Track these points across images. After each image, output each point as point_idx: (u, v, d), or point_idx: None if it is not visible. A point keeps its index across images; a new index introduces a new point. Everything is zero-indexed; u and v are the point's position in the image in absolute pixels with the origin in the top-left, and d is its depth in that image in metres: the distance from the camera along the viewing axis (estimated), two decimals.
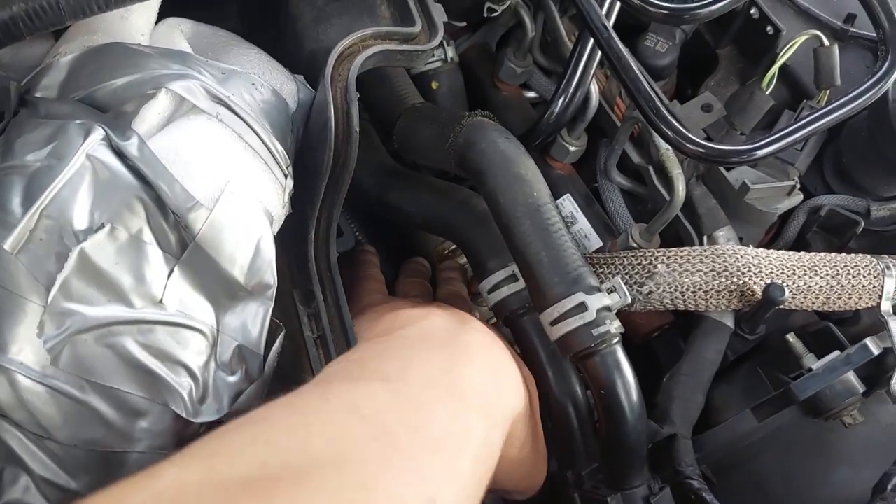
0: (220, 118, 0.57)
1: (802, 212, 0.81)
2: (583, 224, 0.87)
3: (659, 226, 0.79)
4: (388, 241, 0.95)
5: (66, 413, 0.51)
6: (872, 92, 0.74)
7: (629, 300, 0.66)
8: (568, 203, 0.88)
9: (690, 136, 0.70)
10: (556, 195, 0.88)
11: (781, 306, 0.70)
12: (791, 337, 0.71)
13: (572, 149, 0.87)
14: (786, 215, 0.83)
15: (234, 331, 0.56)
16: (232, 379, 0.56)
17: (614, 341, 0.65)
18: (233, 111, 0.58)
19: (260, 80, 0.61)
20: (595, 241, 0.86)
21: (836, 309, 0.73)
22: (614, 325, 0.65)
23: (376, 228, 0.94)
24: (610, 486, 0.68)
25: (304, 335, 0.65)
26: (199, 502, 0.39)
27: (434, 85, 0.89)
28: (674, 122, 0.69)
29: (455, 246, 0.94)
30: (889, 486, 0.60)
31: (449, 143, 0.72)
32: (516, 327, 0.74)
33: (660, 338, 0.84)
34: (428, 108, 0.80)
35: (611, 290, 0.67)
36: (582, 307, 0.64)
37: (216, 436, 0.45)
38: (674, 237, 0.82)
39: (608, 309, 0.65)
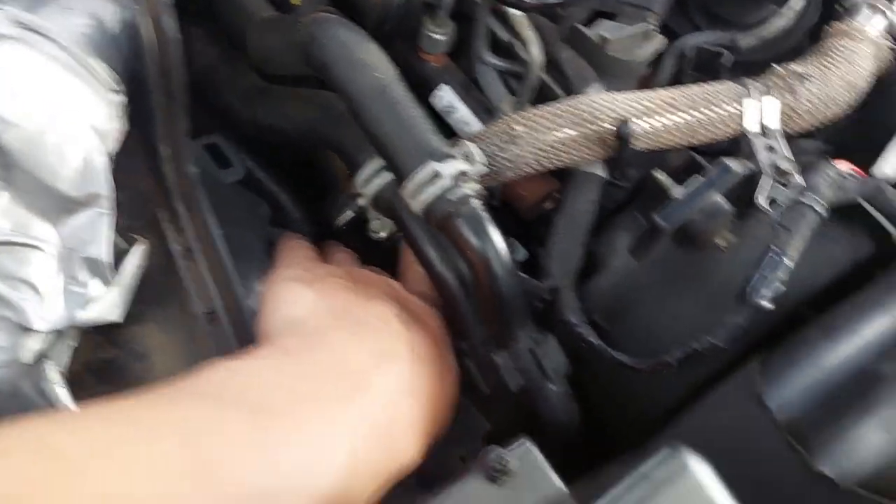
0: (28, 43, 0.57)
1: (671, 56, 0.81)
2: (462, 112, 0.87)
3: (526, 94, 0.79)
4: (285, 164, 0.95)
5: None
6: None
7: (483, 160, 0.67)
8: (445, 93, 0.88)
9: None
10: (431, 87, 0.88)
11: (643, 145, 0.71)
12: (658, 173, 0.71)
13: (439, 38, 0.86)
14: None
15: (75, 243, 0.57)
16: (79, 289, 0.57)
17: (472, 202, 0.66)
18: (43, 35, 0.58)
19: (76, 4, 0.62)
20: (476, 125, 0.86)
21: (704, 141, 0.73)
22: (472, 187, 0.65)
23: (271, 154, 0.95)
24: (499, 347, 0.69)
25: (171, 248, 0.66)
26: None
27: (295, 0, 0.89)
28: None
29: None
30: (749, 291, 0.61)
31: (292, 44, 0.72)
32: (395, 216, 0.75)
33: (557, 208, 0.85)
34: (273, 19, 0.80)
35: (466, 157, 0.68)
36: (436, 175, 0.65)
37: None
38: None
39: (464, 174, 0.66)
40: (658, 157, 0.76)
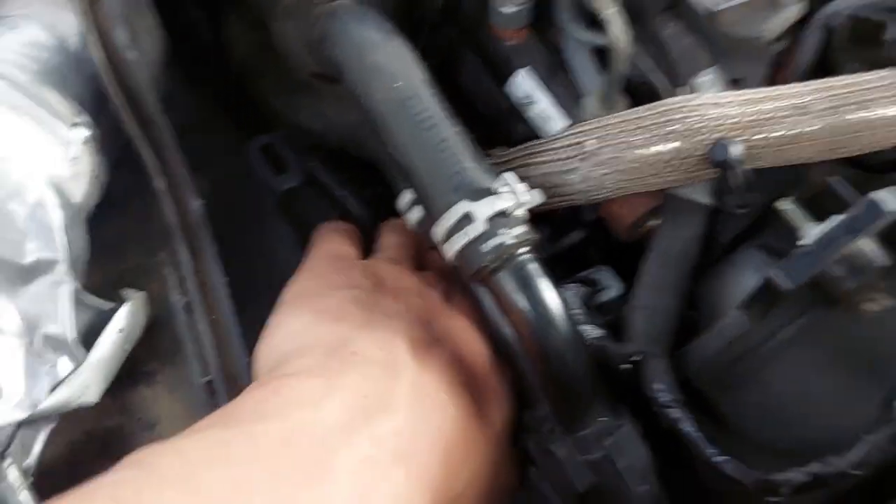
0: None
1: (815, 29, 0.59)
2: (543, 103, 0.70)
3: (614, 86, 0.61)
4: (350, 166, 0.83)
5: None
6: None
7: (529, 196, 0.51)
8: (523, 80, 0.71)
9: None
10: (509, 70, 0.72)
11: (762, 164, 0.52)
12: (785, 203, 0.52)
13: (509, 9, 0.70)
14: None
15: (35, 318, 0.49)
16: (46, 369, 0.49)
17: (517, 253, 0.51)
18: None
19: (27, 19, 0.52)
20: (559, 122, 0.69)
21: (853, 154, 0.53)
22: (512, 234, 0.50)
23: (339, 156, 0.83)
24: (564, 428, 0.55)
25: (172, 300, 0.57)
26: None
27: None
28: None
29: None
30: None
31: (310, 39, 0.59)
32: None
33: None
34: (293, 3, 0.67)
35: (509, 189, 0.52)
36: (467, 219, 0.51)
37: None
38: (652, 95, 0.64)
39: (503, 214, 0.51)
40: (791, 173, 0.56)
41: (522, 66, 0.72)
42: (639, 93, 0.63)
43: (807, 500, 0.46)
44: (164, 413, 0.57)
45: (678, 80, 0.61)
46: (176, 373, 0.58)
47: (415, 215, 0.61)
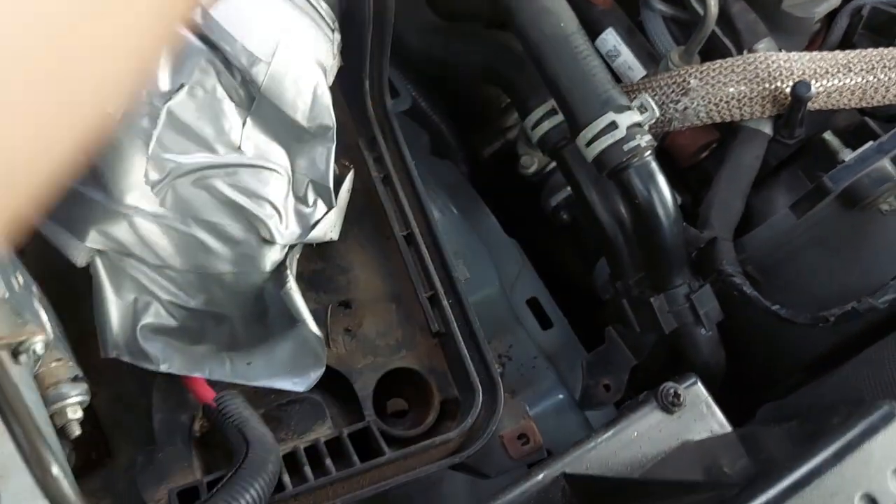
0: None
1: (845, 14, 0.82)
2: (626, 56, 0.90)
3: (696, 45, 0.82)
4: (446, 96, 1.01)
5: (177, 245, 0.62)
6: None
7: (657, 113, 0.71)
8: (610, 37, 0.91)
9: None
10: (598, 30, 0.91)
11: (815, 106, 0.73)
12: (828, 135, 0.74)
13: None
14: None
15: (305, 168, 0.65)
16: (308, 210, 0.65)
17: (646, 154, 0.70)
18: None
19: None
20: (639, 72, 0.89)
21: (876, 104, 0.75)
22: (645, 139, 0.70)
23: (433, 86, 1.01)
24: (655, 290, 0.75)
25: (372, 176, 0.73)
26: None
27: None
28: None
29: None
30: None
31: None
32: (560, 158, 0.81)
33: (712, 157, 0.88)
34: None
35: (641, 108, 0.72)
36: (613, 126, 0.70)
37: None
38: (717, 56, 0.85)
39: (638, 125, 0.70)
40: (823, 118, 0.78)
41: (610, 26, 0.91)
42: (710, 53, 0.84)
43: (844, 329, 0.68)
44: (356, 260, 0.73)
45: (742, 46, 0.82)
46: (363, 232, 0.74)
47: (542, 128, 0.80)
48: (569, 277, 0.98)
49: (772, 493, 0.39)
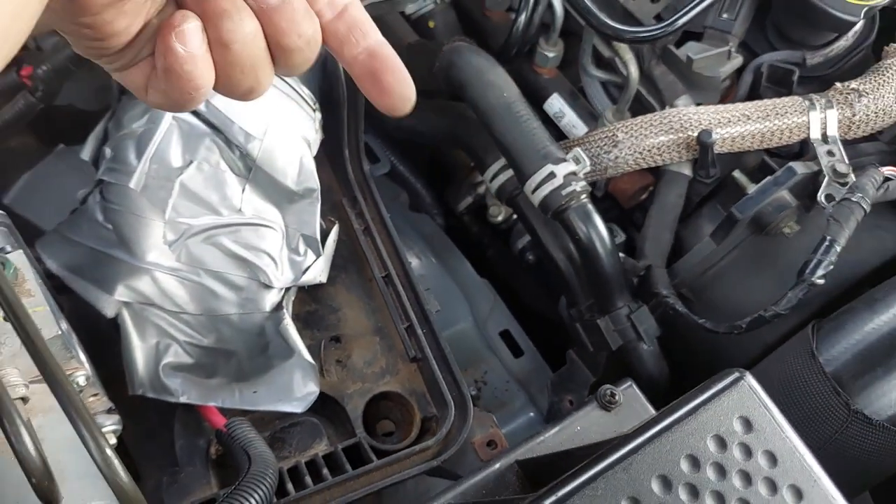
0: None
1: (749, 71, 0.96)
2: (570, 117, 1.05)
3: (625, 104, 0.96)
4: (420, 160, 1.15)
5: (191, 293, 0.74)
6: None
7: (588, 164, 0.85)
8: (556, 101, 1.06)
9: (607, 21, 0.86)
10: (545, 96, 1.06)
11: (723, 149, 0.87)
12: (737, 173, 0.88)
13: (551, 55, 1.04)
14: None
15: (296, 224, 0.78)
16: (299, 258, 0.78)
17: (583, 197, 0.83)
18: None
19: None
20: (582, 129, 1.04)
21: (774, 146, 0.89)
22: (580, 185, 0.83)
23: (409, 152, 1.15)
24: (602, 312, 0.87)
25: (354, 228, 0.87)
26: None
27: (431, 24, 1.07)
28: (596, 13, 0.86)
29: None
30: (806, 271, 0.77)
31: (435, 68, 0.91)
32: (515, 205, 0.94)
33: (650, 198, 1.02)
34: (417, 44, 0.99)
35: (575, 160, 0.85)
36: (551, 175, 0.83)
37: None
38: (644, 112, 0.99)
39: (574, 174, 0.84)
40: (736, 158, 0.92)
41: (555, 92, 1.06)
42: (639, 109, 0.99)
43: (760, 339, 0.80)
44: (343, 301, 0.85)
45: (664, 102, 0.97)
46: (349, 276, 0.87)
47: (498, 181, 0.93)
48: (537, 310, 1.10)
49: (650, 433, 0.51)
